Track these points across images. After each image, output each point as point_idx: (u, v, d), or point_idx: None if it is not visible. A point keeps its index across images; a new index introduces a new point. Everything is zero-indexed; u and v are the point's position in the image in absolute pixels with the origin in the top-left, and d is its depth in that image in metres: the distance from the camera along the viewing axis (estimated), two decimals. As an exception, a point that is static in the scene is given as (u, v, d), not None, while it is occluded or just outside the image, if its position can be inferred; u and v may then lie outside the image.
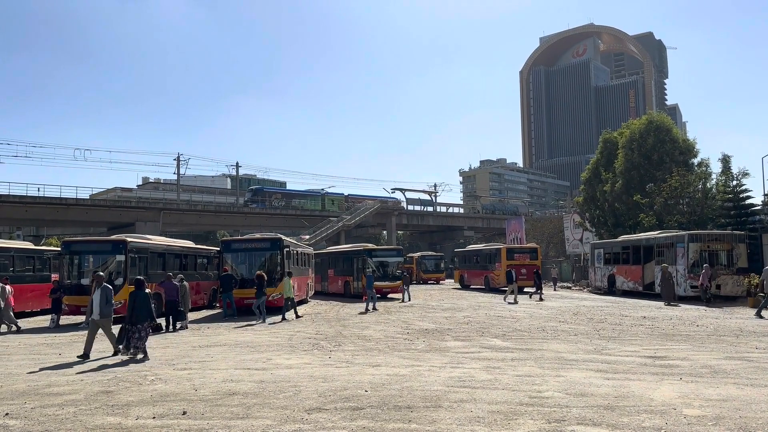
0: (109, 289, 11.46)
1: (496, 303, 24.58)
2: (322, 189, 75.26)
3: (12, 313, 17.16)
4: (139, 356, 10.84)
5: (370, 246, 32.73)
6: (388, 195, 76.52)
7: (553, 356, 10.31)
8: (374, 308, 21.87)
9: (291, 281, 19.71)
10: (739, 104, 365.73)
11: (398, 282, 28.28)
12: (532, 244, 39.47)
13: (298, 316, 18.92)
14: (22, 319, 20.45)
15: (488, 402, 6.77)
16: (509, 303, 24.17)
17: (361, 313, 20.66)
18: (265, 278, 19.03)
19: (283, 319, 18.45)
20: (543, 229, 64.16)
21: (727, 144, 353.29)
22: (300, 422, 6.03)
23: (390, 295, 28.31)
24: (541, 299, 26.14)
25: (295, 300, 23.78)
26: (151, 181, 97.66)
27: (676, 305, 21.73)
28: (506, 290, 26.47)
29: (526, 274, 31.36)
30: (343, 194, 74.76)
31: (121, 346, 11.18)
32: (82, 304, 17.98)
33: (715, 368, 8.95)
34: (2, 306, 16.42)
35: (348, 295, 29.55)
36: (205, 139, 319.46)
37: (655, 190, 33.12)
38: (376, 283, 26.22)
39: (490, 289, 34.26)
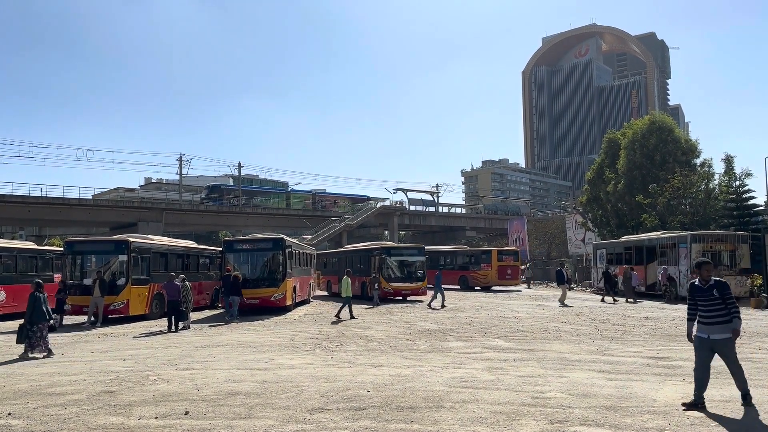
0: None
1: (497, 303, 24.53)
2: (287, 186, 73.88)
3: None
4: (42, 355, 11.29)
5: (389, 243, 31.43)
6: (360, 194, 74.43)
7: (556, 357, 10.29)
8: (443, 305, 22.45)
9: (350, 280, 19.72)
10: (742, 104, 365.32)
11: (420, 283, 26.53)
12: (513, 247, 43.47)
13: (352, 317, 18.61)
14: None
15: (490, 402, 6.76)
16: (562, 305, 22.33)
17: (434, 309, 21.65)
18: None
19: (340, 318, 18.50)
20: (545, 229, 64.06)
21: (730, 144, 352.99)
22: (302, 422, 6.03)
23: (410, 297, 26.63)
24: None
25: (297, 300, 23.84)
26: (153, 181, 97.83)
27: (634, 302, 23.86)
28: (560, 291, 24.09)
29: (511, 274, 36.15)
30: (310, 191, 72.71)
31: (23, 345, 11.31)
32: (86, 304, 18.08)
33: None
34: None
35: (366, 297, 26.72)
36: (208, 139, 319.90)
37: (658, 191, 33.07)
38: (393, 284, 26.09)
39: (467, 287, 36.40)
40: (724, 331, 6.37)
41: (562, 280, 24.18)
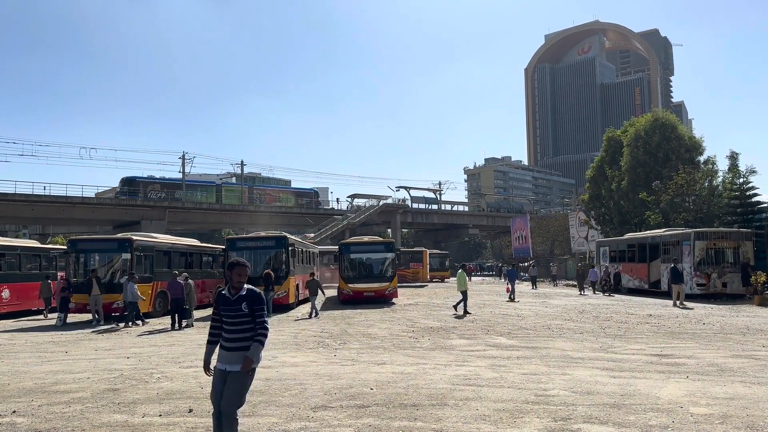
0: None
1: (500, 300, 24.52)
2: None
3: None
4: None
5: (350, 239, 28.72)
6: (306, 188, 72.29)
7: (559, 354, 10.28)
8: (512, 299, 23.73)
9: (465, 273, 19.86)
10: (745, 101, 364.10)
11: (386, 284, 23.27)
12: (420, 249, 49.63)
13: (467, 312, 18.51)
14: (29, 317, 20.58)
15: (494, 400, 6.75)
16: (681, 308, 19.55)
17: (508, 300, 23.29)
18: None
19: (457, 311, 18.79)
20: (548, 227, 63.93)
21: (734, 141, 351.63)
22: (306, 420, 6.04)
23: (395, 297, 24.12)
24: (582, 293, 25.84)
25: (300, 298, 23.84)
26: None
27: (585, 294, 27.23)
28: (673, 293, 21.00)
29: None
30: (246, 184, 68.92)
31: None
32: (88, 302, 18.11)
33: (721, 366, 8.90)
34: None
35: (340, 299, 24.75)
36: (211, 137, 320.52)
37: (661, 188, 32.97)
38: (352, 285, 23.39)
39: None
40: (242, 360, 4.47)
41: (678, 279, 21.09)
